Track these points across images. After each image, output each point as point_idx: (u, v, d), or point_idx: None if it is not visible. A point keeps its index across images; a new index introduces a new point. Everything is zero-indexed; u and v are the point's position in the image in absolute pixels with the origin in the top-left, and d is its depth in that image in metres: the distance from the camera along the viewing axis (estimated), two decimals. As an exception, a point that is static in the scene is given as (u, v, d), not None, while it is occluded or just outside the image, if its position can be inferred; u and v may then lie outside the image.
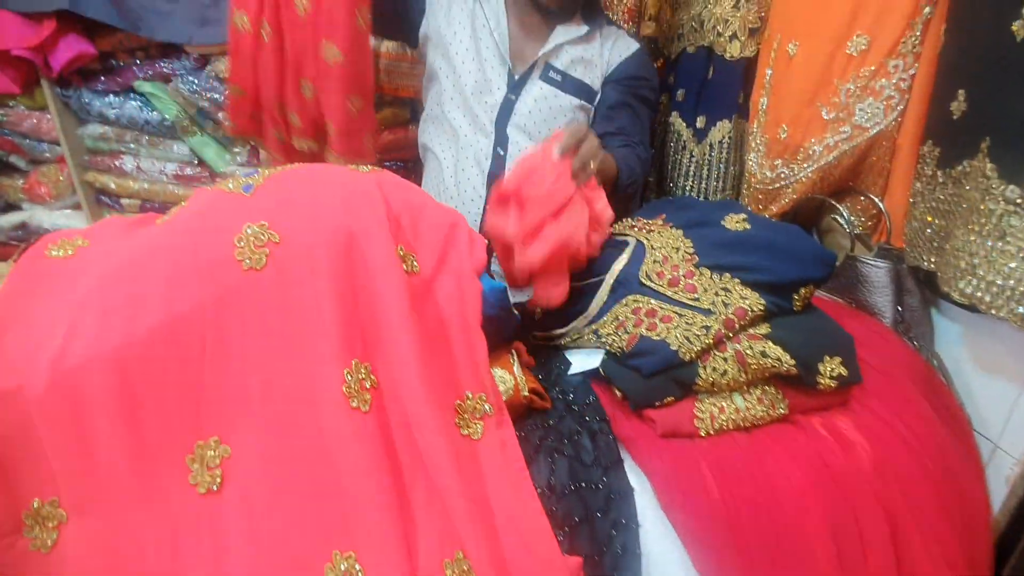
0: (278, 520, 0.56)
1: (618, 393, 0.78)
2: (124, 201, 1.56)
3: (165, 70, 1.42)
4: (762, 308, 0.75)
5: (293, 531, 0.56)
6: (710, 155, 1.18)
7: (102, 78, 1.41)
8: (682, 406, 0.74)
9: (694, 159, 1.20)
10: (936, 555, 0.70)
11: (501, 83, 1.06)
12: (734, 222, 0.83)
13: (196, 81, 1.40)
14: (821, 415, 0.77)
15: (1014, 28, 0.65)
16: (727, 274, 0.78)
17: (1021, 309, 0.68)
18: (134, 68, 1.41)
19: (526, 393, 0.72)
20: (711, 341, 0.73)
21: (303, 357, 0.59)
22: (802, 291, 0.78)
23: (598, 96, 1.13)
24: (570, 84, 1.08)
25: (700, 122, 1.18)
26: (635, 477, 0.70)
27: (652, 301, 0.79)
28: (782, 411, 0.75)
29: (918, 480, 0.73)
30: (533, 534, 0.60)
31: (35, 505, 0.55)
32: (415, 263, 0.65)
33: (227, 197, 0.65)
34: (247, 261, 0.59)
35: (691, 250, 0.82)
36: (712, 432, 0.73)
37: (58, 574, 0.55)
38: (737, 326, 0.74)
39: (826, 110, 0.91)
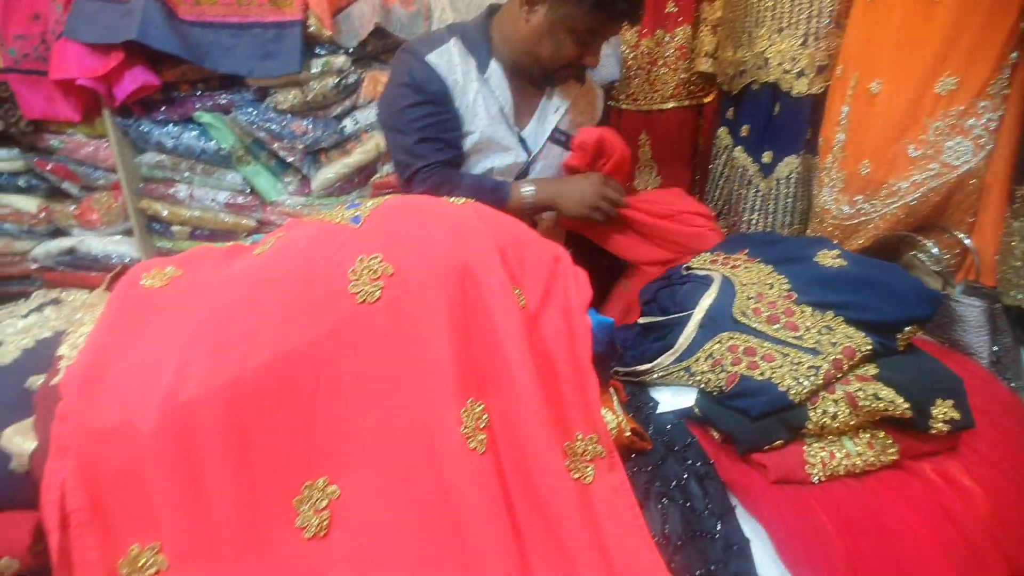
0: (391, 569, 0.53)
1: (716, 435, 0.75)
2: (175, 228, 1.56)
3: (224, 101, 1.44)
4: (869, 348, 0.72)
5: None
6: (777, 190, 1.17)
7: (163, 108, 1.43)
8: (791, 451, 0.70)
9: (760, 193, 1.19)
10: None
11: (518, 149, 1.11)
12: (829, 258, 0.81)
13: (254, 112, 1.42)
14: (931, 460, 0.73)
15: None
16: (829, 312, 0.75)
17: None
18: (194, 99, 1.43)
19: (628, 433, 0.69)
20: (821, 381, 0.69)
21: (420, 395, 0.56)
22: (906, 331, 0.75)
23: None
24: (570, 142, 1.15)
25: (766, 157, 1.17)
26: (747, 526, 0.66)
27: (751, 339, 0.76)
28: (892, 456, 0.72)
29: (1037, 529, 0.69)
30: None
31: (133, 551, 0.52)
32: (522, 298, 0.64)
33: (336, 229, 0.63)
34: (361, 295, 0.58)
35: (787, 287, 0.80)
36: (824, 479, 0.69)
37: (155, 629, 0.51)
38: (845, 366, 0.71)
39: (913, 147, 0.91)
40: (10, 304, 0.74)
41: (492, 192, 1.04)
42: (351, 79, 1.42)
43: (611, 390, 0.73)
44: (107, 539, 0.51)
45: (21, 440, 0.53)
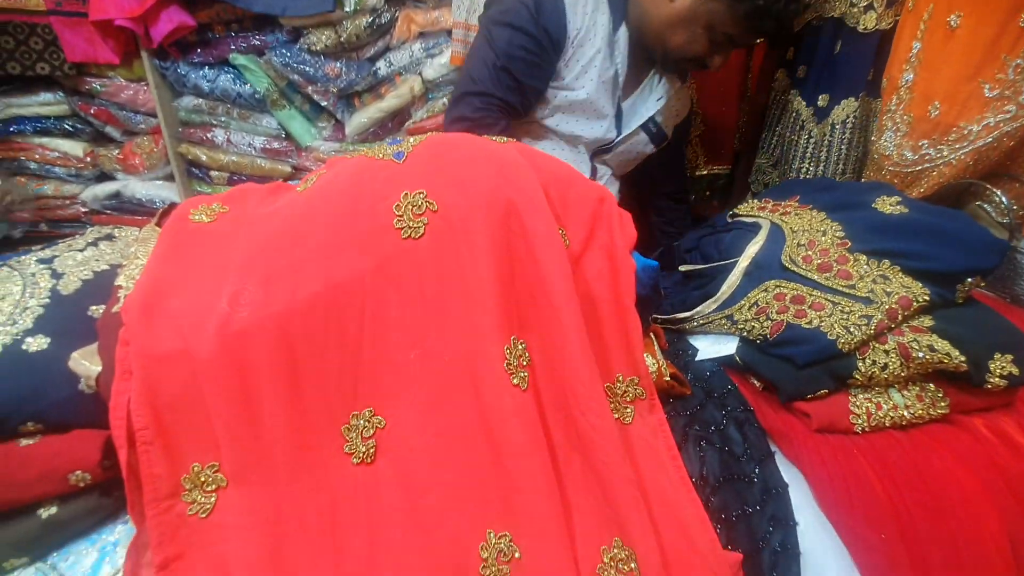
0: (435, 495, 0.55)
1: (758, 383, 0.74)
2: (213, 173, 1.58)
3: (258, 43, 1.42)
4: (927, 298, 0.69)
5: (450, 507, 0.54)
6: (831, 136, 1.10)
7: (198, 50, 1.43)
8: (835, 400, 0.69)
9: (813, 139, 1.13)
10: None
11: (611, 124, 1.06)
12: (889, 205, 0.77)
13: (288, 54, 1.40)
14: (983, 416, 0.71)
15: None
16: (886, 260, 0.72)
17: None
18: (229, 40, 1.41)
19: (667, 378, 0.69)
20: (872, 331, 0.67)
21: (463, 331, 0.56)
22: (968, 281, 0.72)
23: (668, 141, 1.17)
24: (658, 136, 1.13)
25: (822, 100, 1.10)
26: (786, 472, 0.66)
27: (800, 287, 0.74)
28: (942, 410, 0.70)
29: (1095, 490, 0.67)
30: (692, 525, 0.57)
31: (195, 469, 0.55)
32: (566, 238, 0.62)
33: (379, 164, 0.63)
34: (406, 230, 0.57)
35: (841, 234, 0.77)
36: (869, 429, 0.68)
37: (217, 541, 0.54)
38: (900, 316, 0.68)
39: (989, 87, 0.84)
40: (67, 239, 0.77)
41: None
42: (384, 19, 1.37)
43: (651, 335, 0.72)
44: (170, 457, 0.54)
45: (88, 363, 0.56)
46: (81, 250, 0.73)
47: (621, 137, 1.09)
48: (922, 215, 0.74)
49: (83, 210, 1.63)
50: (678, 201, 1.36)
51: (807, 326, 0.70)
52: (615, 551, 0.53)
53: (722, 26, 0.92)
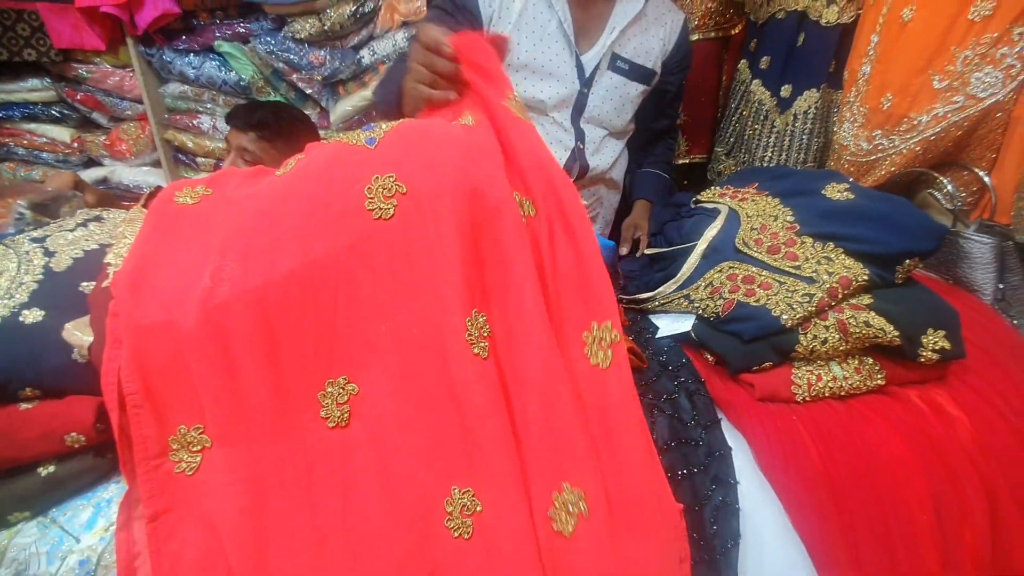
0: (404, 456, 0.59)
1: (710, 358, 0.79)
2: (200, 160, 1.61)
3: (243, 30, 1.45)
4: (866, 278, 0.74)
5: (418, 466, 0.59)
6: (794, 125, 1.15)
7: (183, 37, 1.45)
8: (779, 372, 0.74)
9: (775, 129, 1.17)
10: (1033, 532, 0.70)
11: (572, 76, 1.02)
12: (836, 191, 0.82)
13: (272, 42, 1.43)
14: (918, 388, 0.77)
15: None
16: (830, 243, 0.77)
17: None
18: (214, 27, 1.44)
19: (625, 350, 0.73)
20: (814, 309, 0.72)
21: (429, 306, 0.61)
22: (906, 263, 0.77)
23: (656, 79, 1.11)
24: (636, 71, 1.06)
25: (785, 91, 1.15)
26: (731, 437, 0.71)
27: (750, 268, 0.79)
28: (879, 382, 0.75)
29: (1018, 457, 0.73)
30: (646, 468, 0.62)
31: (181, 430, 0.59)
32: (532, 208, 0.67)
33: (353, 150, 0.67)
34: (377, 211, 0.62)
35: (791, 218, 0.82)
36: (809, 399, 0.73)
37: (203, 496, 0.59)
38: (840, 295, 0.74)
39: (938, 78, 0.88)
40: (59, 220, 0.81)
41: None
42: (367, 7, 1.40)
43: (612, 311, 0.77)
44: (159, 419, 0.59)
45: (80, 334, 0.60)
46: (71, 230, 0.76)
47: (588, 85, 1.03)
48: (866, 201, 0.79)
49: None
50: (661, 137, 1.28)
51: (755, 304, 0.75)
52: (565, 495, 0.59)
53: None
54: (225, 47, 1.46)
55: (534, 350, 0.61)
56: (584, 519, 0.58)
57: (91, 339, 0.60)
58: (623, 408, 0.62)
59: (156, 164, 1.65)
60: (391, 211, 0.62)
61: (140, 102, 1.56)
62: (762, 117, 1.20)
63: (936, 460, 0.70)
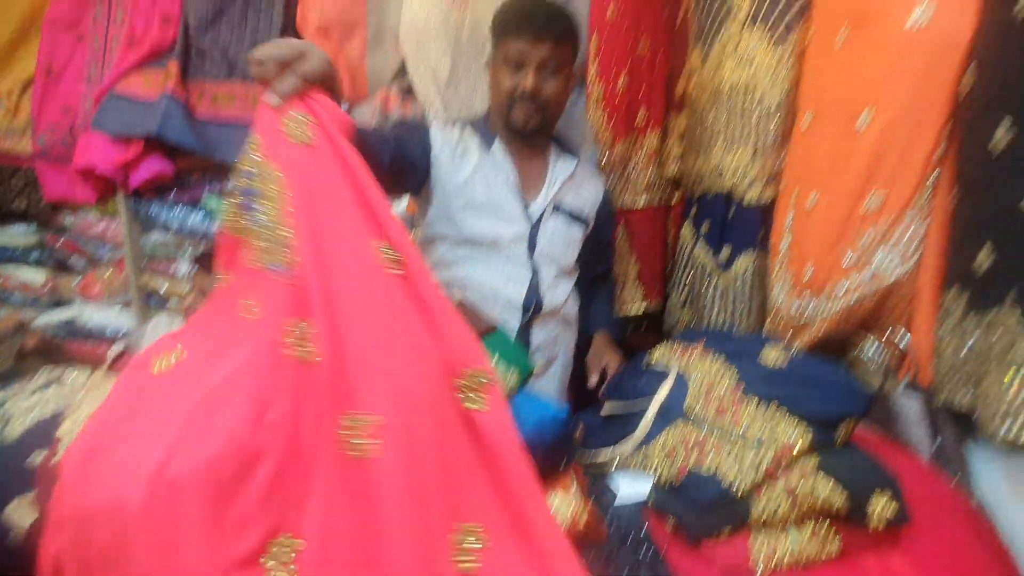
0: None
1: (669, 522, 0.79)
2: (171, 303, 1.64)
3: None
4: (808, 442, 0.78)
5: None
6: (736, 284, 1.26)
7: (174, 191, 1.55)
8: (737, 541, 0.74)
9: (719, 288, 1.29)
10: None
11: (522, 220, 1.19)
12: (773, 355, 0.89)
13: (258, 198, 1.54)
14: (876, 555, 0.77)
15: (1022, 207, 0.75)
16: (773, 405, 0.82)
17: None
18: (205, 185, 1.55)
19: (584, 523, 0.73)
20: (762, 477, 0.75)
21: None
22: (844, 425, 0.82)
23: (591, 225, 1.30)
24: (575, 218, 1.26)
25: (725, 253, 1.28)
26: (694, 618, 0.69)
27: (701, 430, 0.83)
28: (836, 548, 0.76)
29: (980, 630, 0.72)
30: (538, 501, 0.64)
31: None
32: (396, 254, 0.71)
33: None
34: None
35: (736, 379, 0.87)
36: (768, 570, 0.73)
37: None
38: (784, 461, 0.77)
39: (848, 254, 1.01)
40: (20, 380, 0.80)
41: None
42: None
43: (571, 476, 0.78)
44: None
45: (20, 516, 0.58)
46: (32, 392, 0.76)
47: (537, 226, 1.20)
48: (799, 365, 0.86)
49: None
50: (599, 281, 1.41)
51: (706, 472, 0.77)
52: (462, 535, 0.60)
53: (505, 52, 1.11)
54: (213, 202, 1.56)
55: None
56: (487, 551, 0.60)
57: (34, 518, 0.58)
58: (507, 449, 0.65)
59: (127, 305, 1.66)
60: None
61: (120, 248, 1.61)
62: (707, 276, 1.32)
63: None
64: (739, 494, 0.74)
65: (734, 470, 0.76)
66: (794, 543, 0.74)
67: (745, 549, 0.73)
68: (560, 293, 1.24)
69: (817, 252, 1.04)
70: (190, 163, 1.54)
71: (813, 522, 0.77)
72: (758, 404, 0.83)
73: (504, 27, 1.14)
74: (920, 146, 0.95)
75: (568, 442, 0.76)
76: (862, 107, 0.96)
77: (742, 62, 1.18)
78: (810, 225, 1.05)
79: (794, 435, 0.79)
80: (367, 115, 1.51)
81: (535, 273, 1.20)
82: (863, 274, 1.00)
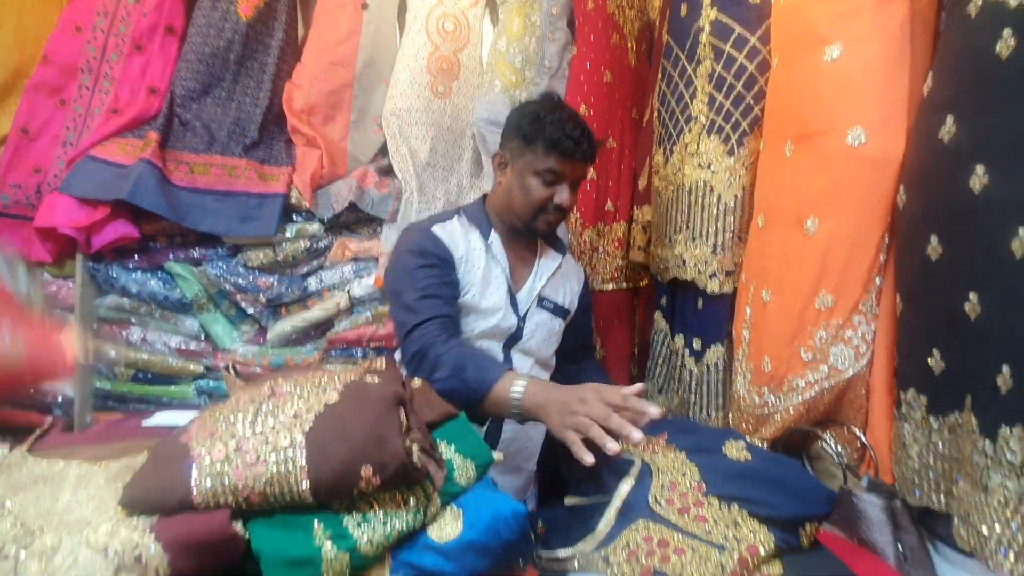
0: None
1: (632, 635, 0.74)
2: (117, 370, 1.55)
3: (196, 255, 1.53)
4: (772, 544, 0.76)
5: None
6: (708, 375, 1.27)
7: (136, 256, 1.51)
8: None
9: (694, 376, 1.30)
10: None
11: (511, 315, 1.20)
12: (735, 451, 0.88)
13: (224, 266, 1.51)
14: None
15: (966, 309, 0.79)
16: (735, 505, 0.80)
17: (1007, 562, 0.70)
18: (169, 251, 1.52)
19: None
20: None
21: None
22: (807, 527, 0.80)
23: (571, 315, 1.32)
24: (558, 310, 1.28)
25: (697, 344, 1.30)
26: None
27: (664, 529, 0.79)
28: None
29: None
30: None
31: None
32: None
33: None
34: None
35: (698, 477, 0.85)
36: None
37: None
38: (751, 564, 0.74)
39: (804, 351, 1.03)
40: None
41: (476, 376, 0.95)
42: (322, 244, 1.55)
43: (527, 579, 0.73)
44: None
45: None
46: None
47: (523, 320, 1.20)
48: (761, 463, 0.85)
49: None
50: (585, 357, 1.42)
51: (670, 573, 0.73)
52: None
53: (541, 165, 1.11)
54: (176, 268, 1.52)
55: None
56: None
57: None
58: None
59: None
60: None
61: (71, 311, 1.54)
62: (681, 364, 1.33)
63: None
64: None
65: (698, 573, 0.72)
66: (762, 658, 0.70)
67: (710, 666, 0.68)
68: None
69: (774, 347, 1.07)
70: (157, 228, 1.51)
71: (780, 632, 0.73)
72: (720, 505, 0.81)
73: (542, 140, 1.11)
74: (864, 254, 1.00)
75: (527, 539, 0.71)
76: (808, 215, 1.02)
77: (701, 165, 1.26)
78: (767, 320, 1.08)
79: (758, 537, 0.76)
80: (344, 190, 1.54)
81: (508, 363, 1.20)
82: (820, 369, 1.02)
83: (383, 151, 1.70)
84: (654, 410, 0.80)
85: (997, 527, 0.72)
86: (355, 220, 1.60)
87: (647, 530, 0.80)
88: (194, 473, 0.60)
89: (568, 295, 1.31)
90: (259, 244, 1.52)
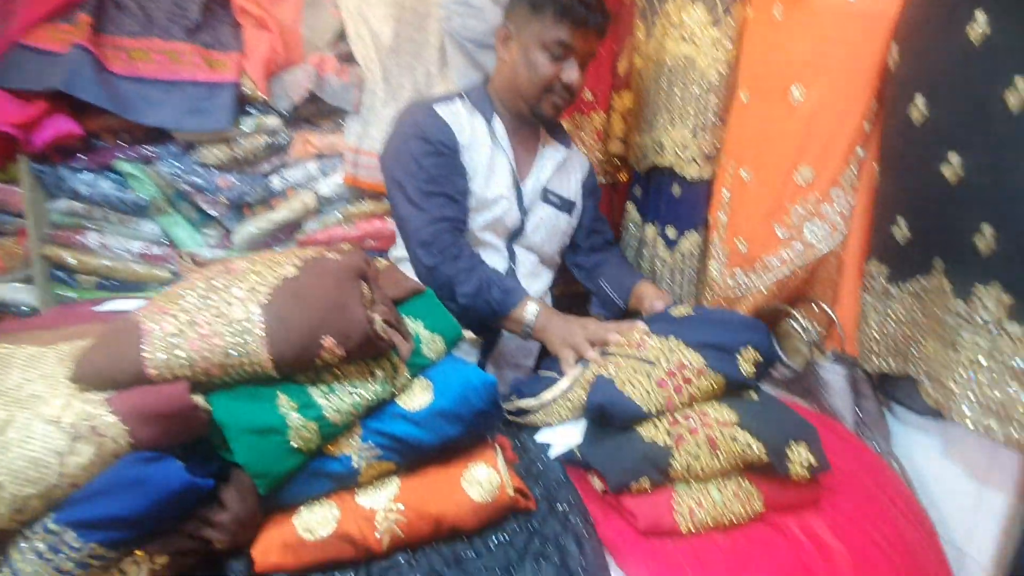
0: None
1: (598, 484, 0.77)
2: (80, 277, 1.50)
3: (148, 153, 1.44)
4: (702, 364, 0.80)
5: None
6: (681, 263, 1.26)
7: (82, 156, 1.41)
8: (660, 498, 0.73)
9: (666, 265, 1.29)
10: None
11: (514, 207, 1.14)
12: (680, 311, 0.93)
13: (179, 165, 1.42)
14: (796, 516, 0.78)
15: (945, 172, 0.76)
16: (672, 337, 0.84)
17: (972, 413, 0.73)
18: (117, 148, 1.42)
19: (511, 493, 0.70)
20: (655, 384, 0.77)
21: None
22: (744, 353, 0.83)
23: (577, 208, 1.26)
24: (564, 204, 1.22)
25: (671, 232, 1.28)
26: (621, 585, 0.67)
27: (610, 358, 0.86)
28: (758, 507, 0.75)
29: (894, 585, 0.74)
30: None
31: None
32: None
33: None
34: None
35: (644, 328, 0.89)
36: (692, 528, 0.72)
37: None
38: (679, 376, 0.78)
39: (780, 228, 1.02)
40: None
41: (498, 297, 1.00)
42: (282, 139, 1.46)
43: (496, 447, 0.75)
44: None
45: None
46: None
47: (526, 213, 1.15)
48: (703, 312, 0.91)
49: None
50: (601, 250, 1.32)
51: (606, 374, 0.80)
52: None
53: (549, 36, 1.01)
54: (126, 167, 1.43)
55: None
56: None
57: None
58: None
59: (28, 280, 1.51)
60: None
61: (22, 216, 1.46)
62: (654, 254, 1.32)
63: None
64: (635, 398, 0.75)
65: (630, 380, 0.77)
66: (717, 501, 0.74)
67: (668, 505, 0.72)
68: (539, 283, 1.20)
69: (750, 227, 1.05)
70: (101, 124, 1.40)
71: (735, 481, 0.76)
72: (659, 340, 0.85)
73: (551, 6, 1.01)
74: (848, 122, 0.97)
75: (496, 408, 0.72)
76: (794, 82, 0.97)
77: (684, 38, 1.17)
78: (744, 200, 1.06)
79: (687, 357, 0.80)
80: (301, 78, 1.42)
81: (512, 259, 1.16)
82: (794, 247, 1.02)
83: (342, 36, 1.55)
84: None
85: (964, 382, 0.74)
86: (316, 113, 1.50)
87: (596, 366, 0.85)
88: (145, 347, 0.58)
89: (574, 187, 1.24)
90: (214, 140, 1.42)
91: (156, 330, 0.59)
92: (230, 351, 0.58)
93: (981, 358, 0.71)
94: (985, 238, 0.72)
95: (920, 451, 0.95)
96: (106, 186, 1.43)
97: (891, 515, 0.82)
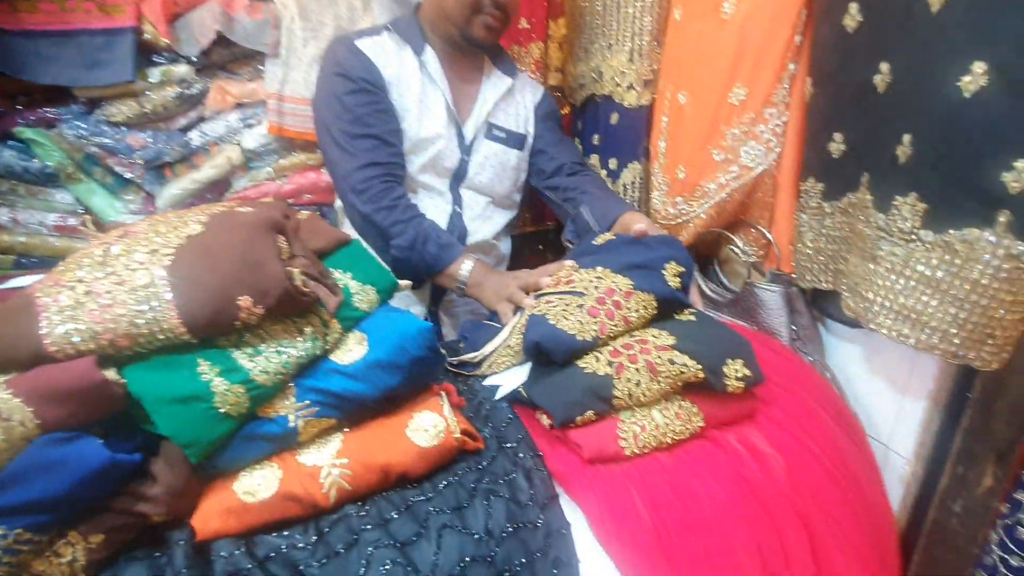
0: None
1: (545, 420, 0.79)
2: (-7, 256, 1.39)
3: (50, 115, 1.31)
4: (629, 286, 0.82)
5: None
6: (624, 194, 1.25)
7: (-28, 122, 1.28)
8: (605, 426, 0.75)
9: (612, 197, 1.27)
10: (852, 559, 0.75)
11: (454, 146, 1.08)
12: (601, 239, 0.94)
13: (84, 126, 1.30)
14: (735, 431, 0.81)
15: (876, 81, 0.76)
16: (598, 267, 0.85)
17: (888, 322, 0.76)
18: (15, 114, 1.28)
19: (458, 435, 0.71)
20: (587, 313, 0.78)
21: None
22: (667, 268, 0.85)
23: (529, 139, 1.19)
24: (512, 139, 1.15)
25: (612, 164, 1.26)
26: (571, 512, 0.70)
27: (541, 298, 0.86)
28: (699, 424, 0.78)
29: (828, 488, 0.79)
30: None
31: None
32: None
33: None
34: None
35: (574, 265, 0.90)
36: (637, 451, 0.74)
37: None
38: (610, 303, 0.80)
39: (716, 152, 1.01)
40: None
41: (433, 252, 0.98)
42: (195, 90, 1.34)
43: (441, 393, 0.74)
44: None
45: None
46: None
47: (468, 152, 1.09)
48: (623, 238, 0.92)
49: None
50: (575, 174, 1.22)
51: (538, 313, 0.80)
52: None
53: None
54: (27, 133, 1.30)
55: None
56: None
57: None
58: None
59: (-66, 264, 1.39)
60: None
61: (-87, 195, 1.33)
62: (599, 186, 1.30)
63: (757, 505, 0.73)
64: (566, 328, 0.76)
65: (562, 314, 0.78)
66: (660, 421, 0.76)
67: (613, 433, 0.74)
68: (491, 226, 1.15)
69: (688, 153, 1.04)
70: (-10, 86, 1.26)
71: (676, 403, 0.78)
72: (585, 272, 0.86)
73: None
74: (780, 32, 0.94)
75: (435, 354, 0.71)
76: (727, -5, 0.93)
77: (618, -45, 1.11)
78: (682, 126, 1.04)
79: (615, 283, 0.82)
80: (208, 19, 1.30)
81: (457, 202, 1.11)
82: (730, 170, 1.01)
83: (251, -31, 1.41)
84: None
85: (882, 292, 0.77)
86: (231, 58, 1.37)
87: (531, 309, 0.85)
88: (42, 322, 0.54)
89: (523, 117, 1.17)
90: (119, 95, 1.30)
91: (51, 304, 0.55)
92: (136, 320, 0.55)
93: (897, 267, 0.74)
94: (904, 147, 0.72)
95: (851, 361, 0.99)
96: (8, 156, 1.30)
97: (823, 422, 0.87)
